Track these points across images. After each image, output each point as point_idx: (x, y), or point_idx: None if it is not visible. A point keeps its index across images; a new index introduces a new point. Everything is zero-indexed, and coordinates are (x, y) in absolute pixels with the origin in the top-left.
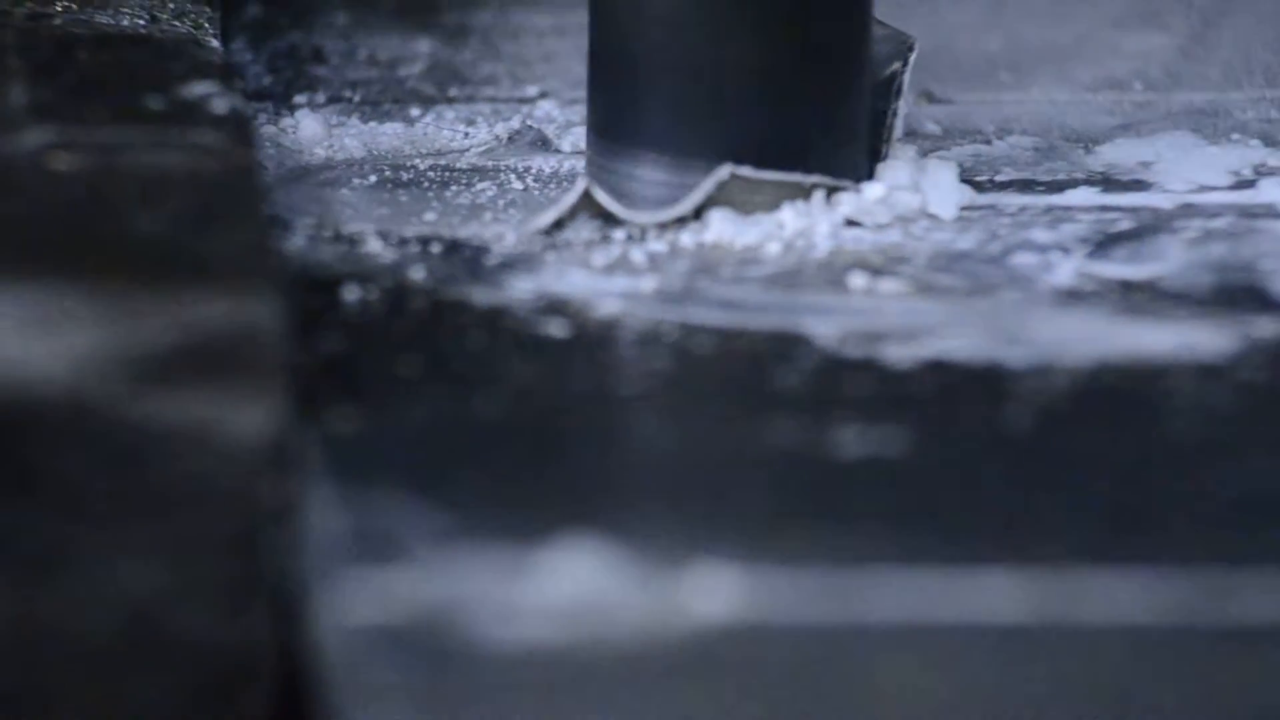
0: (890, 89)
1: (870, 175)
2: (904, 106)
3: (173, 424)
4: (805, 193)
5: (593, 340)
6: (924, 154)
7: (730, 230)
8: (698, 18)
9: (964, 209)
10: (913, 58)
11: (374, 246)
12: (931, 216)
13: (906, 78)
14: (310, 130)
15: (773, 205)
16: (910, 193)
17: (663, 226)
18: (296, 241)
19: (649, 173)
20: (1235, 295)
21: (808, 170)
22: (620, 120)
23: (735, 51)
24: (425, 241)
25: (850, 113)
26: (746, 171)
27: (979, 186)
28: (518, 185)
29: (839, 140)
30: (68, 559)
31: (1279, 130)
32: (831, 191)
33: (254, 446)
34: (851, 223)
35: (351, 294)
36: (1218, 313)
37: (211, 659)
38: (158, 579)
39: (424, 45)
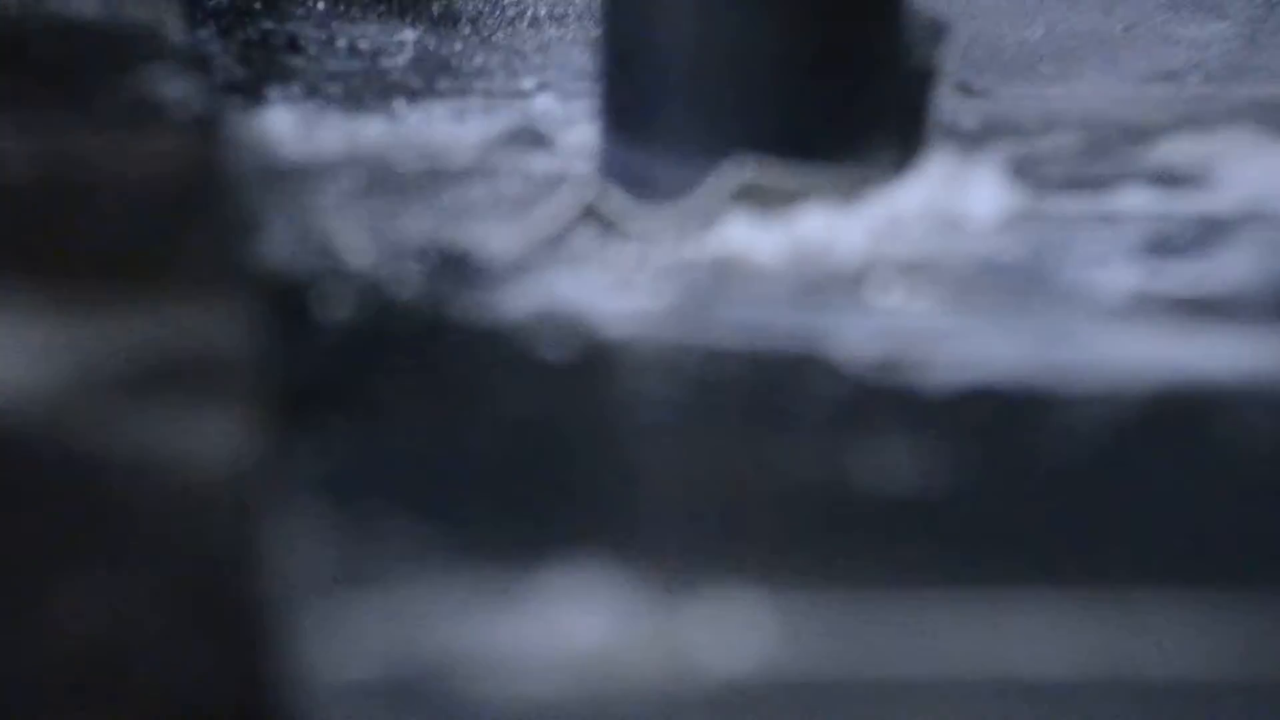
0: (924, 77)
1: (905, 170)
2: (937, 95)
3: (140, 447)
4: (830, 190)
5: (597, 361)
6: (961, 152)
7: (748, 237)
8: (719, 4)
9: (1006, 213)
10: (945, 43)
11: (356, 256)
12: (971, 220)
13: (939, 65)
14: (285, 127)
15: (794, 203)
16: (948, 195)
17: (673, 232)
18: (272, 251)
19: (666, 169)
20: None
21: (836, 164)
22: (634, 113)
23: (759, 38)
24: (412, 251)
25: (882, 103)
26: (765, 168)
27: (1021, 188)
28: (513, 188)
29: (869, 132)
30: (23, 596)
31: None
32: (859, 189)
33: (219, 473)
34: (884, 230)
35: (330, 306)
36: None
37: (177, 697)
38: (117, 615)
39: (409, 33)
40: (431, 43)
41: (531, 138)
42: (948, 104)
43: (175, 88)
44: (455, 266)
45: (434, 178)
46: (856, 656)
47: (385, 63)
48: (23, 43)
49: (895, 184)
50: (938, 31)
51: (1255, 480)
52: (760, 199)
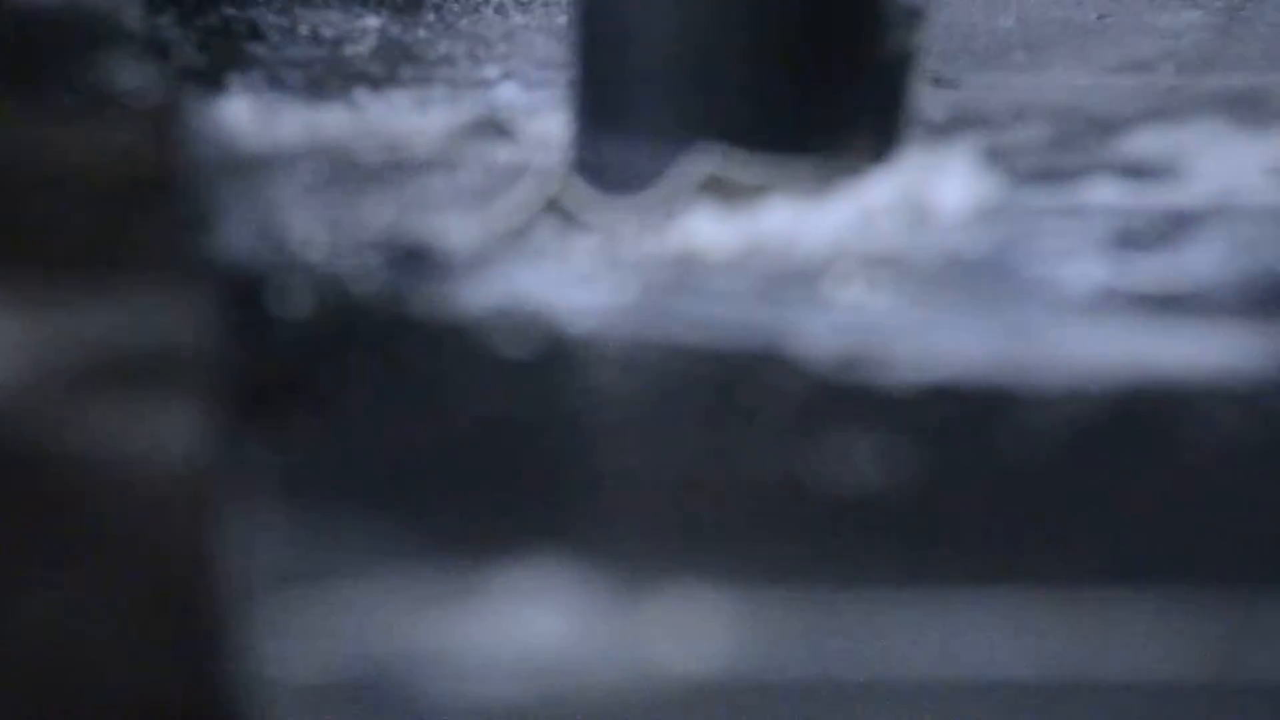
0: (901, 66)
1: (880, 159)
2: (916, 78)
3: (89, 444)
4: (799, 183)
5: (556, 356)
6: (930, 143)
7: (712, 231)
8: None
9: (974, 206)
10: (921, 28)
11: (316, 249)
12: (939, 214)
13: (916, 52)
14: (245, 116)
15: (756, 196)
16: (915, 188)
17: (636, 225)
18: (229, 244)
19: (635, 160)
20: (1273, 307)
21: (808, 156)
22: (604, 103)
23: (731, 27)
24: (373, 244)
25: (857, 93)
26: (723, 164)
27: (989, 181)
28: (476, 179)
29: (844, 124)
30: None
31: None
32: (830, 181)
33: (176, 468)
34: (851, 224)
35: (290, 299)
36: (1254, 323)
37: (133, 695)
38: (72, 611)
39: (372, 20)
40: (395, 30)
41: (495, 128)
42: (918, 94)
43: (133, 75)
44: (416, 259)
45: (396, 168)
46: (817, 655)
47: (347, 50)
48: None
49: (866, 176)
50: (915, 18)
51: (1219, 477)
52: (725, 191)
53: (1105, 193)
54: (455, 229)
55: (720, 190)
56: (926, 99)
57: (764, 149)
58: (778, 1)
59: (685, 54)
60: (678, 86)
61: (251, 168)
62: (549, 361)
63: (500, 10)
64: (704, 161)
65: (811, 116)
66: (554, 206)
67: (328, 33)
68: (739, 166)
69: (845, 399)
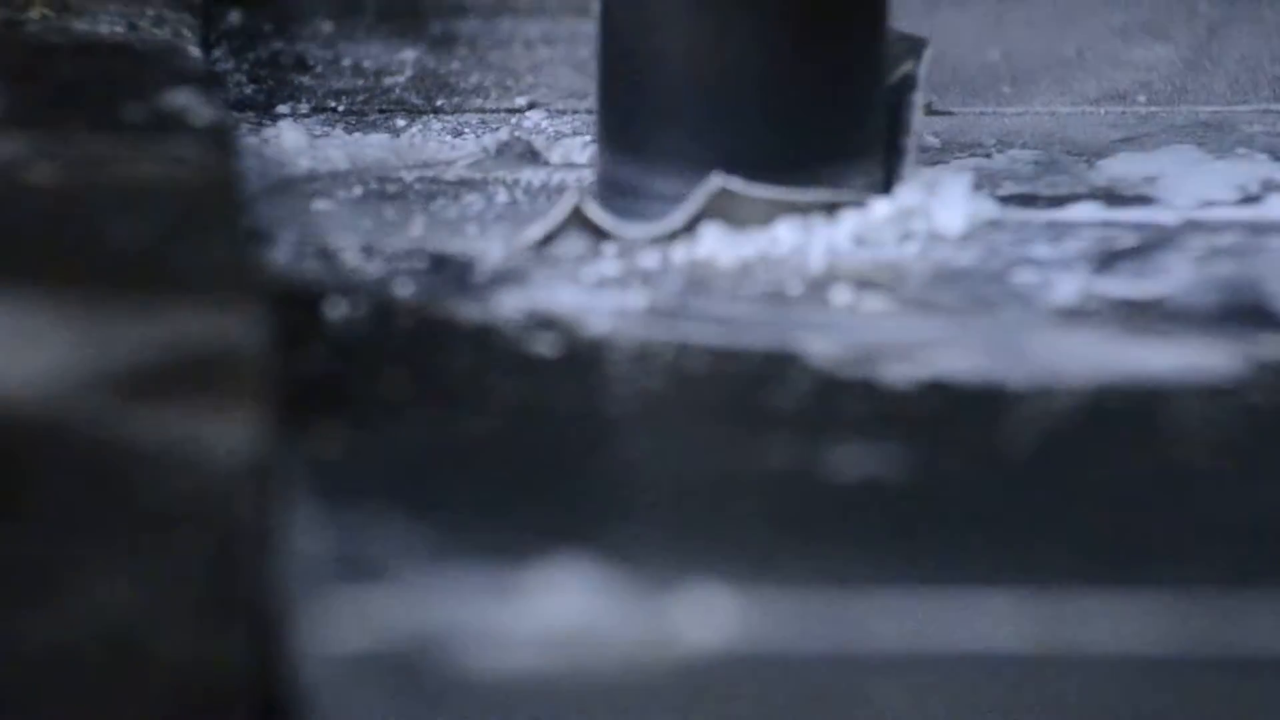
0: (904, 92)
1: (887, 185)
2: (919, 106)
3: (151, 443)
4: (800, 208)
5: (582, 358)
6: (926, 168)
7: (723, 246)
8: (710, 27)
9: (968, 225)
10: (927, 56)
11: (358, 261)
12: (933, 232)
13: (921, 77)
14: (293, 141)
15: (767, 219)
16: (912, 208)
17: (655, 241)
18: (278, 256)
19: (660, 185)
20: (1241, 315)
21: (820, 182)
22: (628, 130)
23: (747, 61)
24: (411, 256)
25: (864, 124)
26: (736, 185)
27: (980, 202)
28: (506, 198)
29: (852, 151)
30: (45, 580)
31: None
32: (832, 207)
33: (233, 466)
34: (854, 239)
35: (335, 310)
36: (1223, 333)
37: (191, 681)
38: (137, 601)
39: (410, 54)
40: (431, 62)
41: (523, 152)
42: (919, 122)
43: (191, 103)
44: (450, 271)
45: (431, 189)
46: (820, 641)
47: (387, 81)
48: (50, 61)
49: (870, 198)
50: (918, 49)
51: (1190, 474)
52: (737, 214)
53: (1086, 212)
54: (487, 244)
55: (732, 213)
56: (922, 127)
57: (774, 175)
58: (788, 36)
59: (700, 85)
60: (693, 116)
61: (299, 188)
62: (572, 367)
63: (528, 44)
64: (717, 186)
65: (820, 144)
66: (578, 223)
67: (369, 65)
68: (750, 191)
69: (844, 402)
